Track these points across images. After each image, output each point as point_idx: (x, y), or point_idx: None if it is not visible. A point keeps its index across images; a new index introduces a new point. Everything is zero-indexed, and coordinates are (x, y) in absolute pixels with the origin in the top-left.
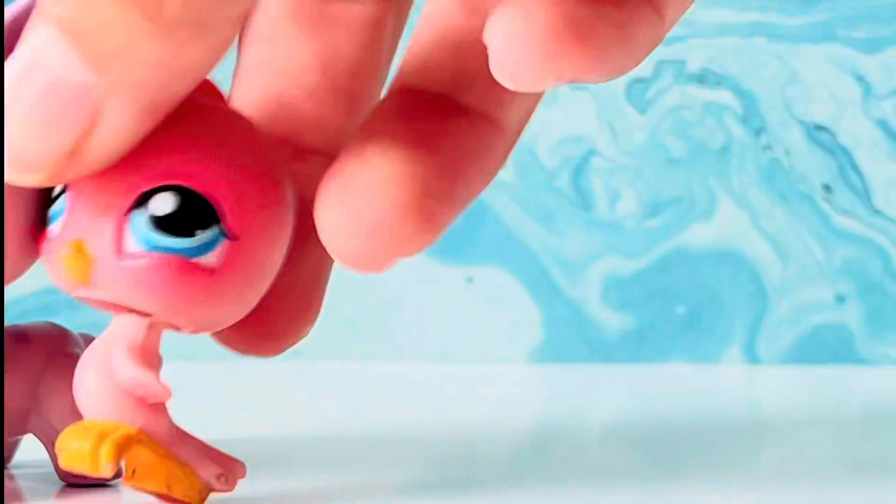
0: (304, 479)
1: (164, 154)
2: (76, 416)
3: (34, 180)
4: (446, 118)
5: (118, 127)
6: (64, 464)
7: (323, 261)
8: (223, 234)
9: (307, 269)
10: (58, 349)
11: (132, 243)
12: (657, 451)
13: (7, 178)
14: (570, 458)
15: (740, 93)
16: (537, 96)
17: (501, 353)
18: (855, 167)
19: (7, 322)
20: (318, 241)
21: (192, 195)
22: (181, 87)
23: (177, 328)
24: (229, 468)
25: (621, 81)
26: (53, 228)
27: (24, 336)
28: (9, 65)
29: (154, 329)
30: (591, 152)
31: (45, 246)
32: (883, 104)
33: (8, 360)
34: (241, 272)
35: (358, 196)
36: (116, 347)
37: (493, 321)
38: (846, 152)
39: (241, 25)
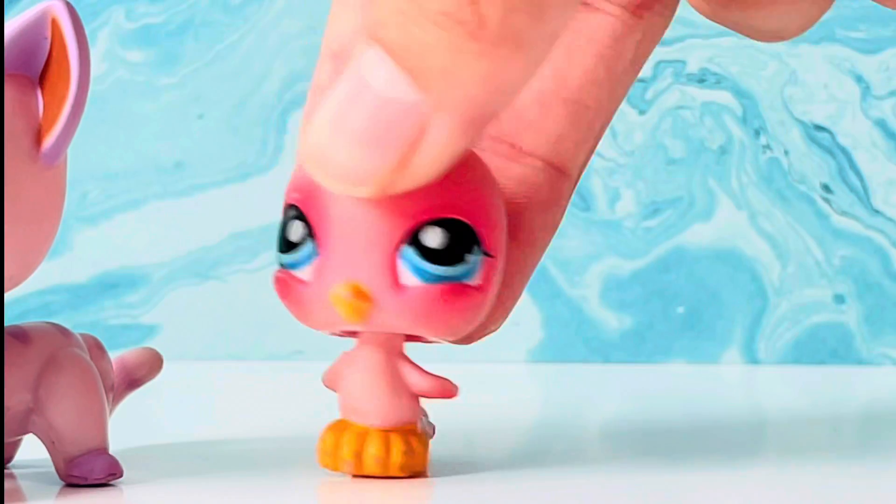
0: (304, 479)
1: (423, 192)
2: (76, 415)
3: (365, 192)
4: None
5: (443, 141)
6: (353, 471)
7: (519, 266)
8: (484, 253)
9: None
10: (58, 349)
11: (408, 277)
12: (656, 450)
13: (338, 190)
14: (570, 457)
15: (739, 93)
16: (595, 146)
17: (501, 352)
18: (854, 167)
19: (7, 322)
20: (515, 246)
21: (457, 224)
22: (501, 102)
23: (425, 340)
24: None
25: None
26: (303, 273)
27: (24, 336)
28: (337, 85)
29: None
30: None
31: (295, 291)
32: (882, 104)
33: (8, 360)
34: (495, 284)
35: None
36: (402, 362)
37: None
38: (845, 152)
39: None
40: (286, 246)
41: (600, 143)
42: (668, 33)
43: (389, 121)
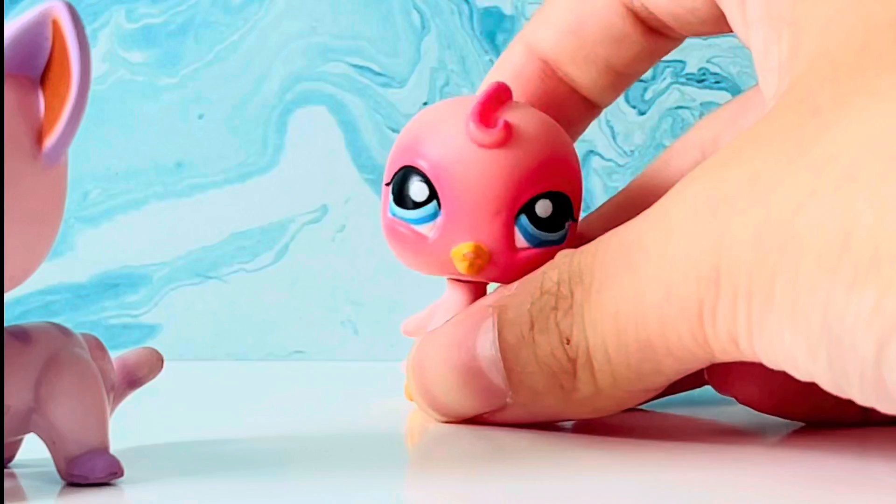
0: (304, 479)
1: (537, 169)
2: (77, 415)
3: None
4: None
5: None
6: None
7: None
8: (572, 219)
9: None
10: (59, 349)
11: (521, 241)
12: (656, 450)
13: None
14: (569, 457)
15: (739, 93)
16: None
17: None
18: None
19: (8, 322)
20: None
21: (561, 197)
22: None
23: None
24: None
25: None
26: (423, 229)
27: (25, 336)
28: None
29: None
30: (591, 152)
31: (418, 244)
32: None
33: (9, 359)
34: (573, 239)
35: None
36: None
37: None
38: None
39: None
40: (409, 203)
41: (600, 143)
42: None
43: None
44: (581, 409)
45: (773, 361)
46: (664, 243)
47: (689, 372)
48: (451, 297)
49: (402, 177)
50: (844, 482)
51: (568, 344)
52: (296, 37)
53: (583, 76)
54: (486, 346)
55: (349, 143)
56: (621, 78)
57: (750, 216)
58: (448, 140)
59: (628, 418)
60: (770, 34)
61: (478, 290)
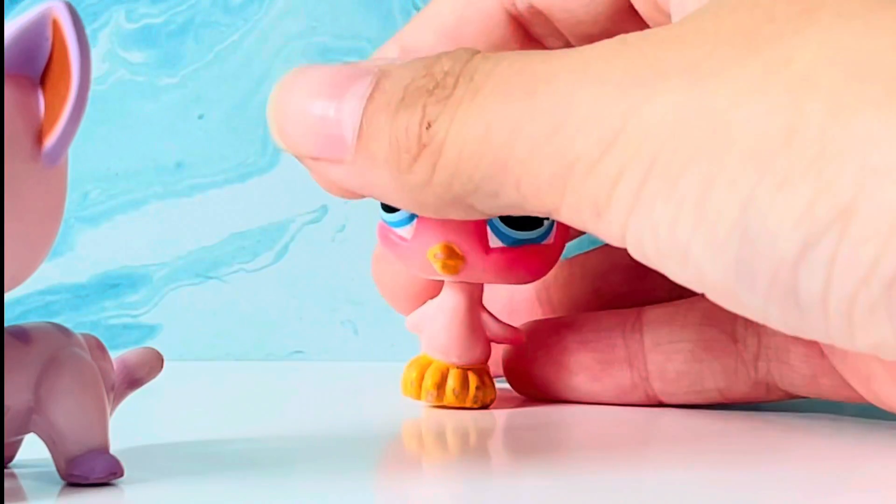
0: (304, 479)
1: None
2: (77, 415)
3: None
4: None
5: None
6: (434, 401)
7: None
8: None
9: None
10: (59, 349)
11: (494, 241)
12: (656, 450)
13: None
14: (569, 457)
15: None
16: None
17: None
18: None
19: (8, 322)
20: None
21: None
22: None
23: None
24: None
25: None
26: (402, 232)
27: (25, 336)
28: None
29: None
30: None
31: (396, 245)
32: None
33: (9, 359)
34: (562, 239)
35: None
36: (482, 311)
37: None
38: None
39: None
40: (388, 208)
41: None
42: None
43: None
44: (404, 196)
45: (646, 251)
46: (576, 87)
47: (521, 213)
48: (445, 297)
49: None
50: (845, 482)
51: (427, 128)
52: (296, 37)
53: None
54: (354, 97)
55: None
56: None
57: (679, 96)
58: None
59: (626, 419)
60: None
61: (473, 291)
